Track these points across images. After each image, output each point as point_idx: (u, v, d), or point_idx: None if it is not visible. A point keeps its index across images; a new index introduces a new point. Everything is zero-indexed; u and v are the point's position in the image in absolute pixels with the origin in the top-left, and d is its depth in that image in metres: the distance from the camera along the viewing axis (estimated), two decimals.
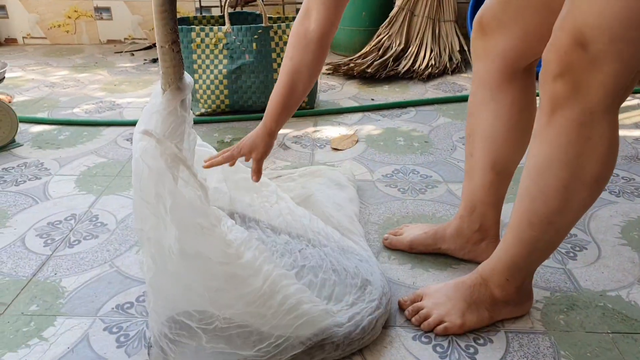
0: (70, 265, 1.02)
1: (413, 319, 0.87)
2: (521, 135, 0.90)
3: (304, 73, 0.93)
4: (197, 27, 1.68)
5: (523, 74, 0.88)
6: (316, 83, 1.85)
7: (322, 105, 1.87)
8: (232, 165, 1.04)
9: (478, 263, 0.91)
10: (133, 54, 2.58)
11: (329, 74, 2.21)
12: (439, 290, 0.89)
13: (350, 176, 1.29)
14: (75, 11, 2.73)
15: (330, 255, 0.96)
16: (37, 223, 1.16)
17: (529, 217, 0.76)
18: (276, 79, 1.73)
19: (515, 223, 0.79)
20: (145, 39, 2.79)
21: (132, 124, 1.71)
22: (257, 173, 1.01)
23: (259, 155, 0.99)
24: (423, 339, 0.84)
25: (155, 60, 2.45)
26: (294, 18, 1.82)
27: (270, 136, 0.98)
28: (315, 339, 0.76)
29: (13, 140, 1.54)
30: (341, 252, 0.97)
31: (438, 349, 0.82)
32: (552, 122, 0.70)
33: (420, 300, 0.89)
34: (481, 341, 0.84)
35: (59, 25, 2.76)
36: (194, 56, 1.71)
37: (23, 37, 2.77)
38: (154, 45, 2.70)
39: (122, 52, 2.62)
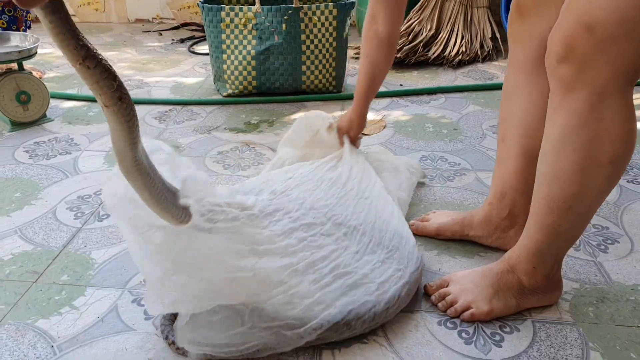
0: (100, 238, 1.04)
1: (439, 305, 0.87)
2: None
3: (381, 65, 1.10)
4: (227, 7, 1.67)
5: None
6: (344, 67, 1.83)
7: (349, 89, 1.86)
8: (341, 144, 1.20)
9: (506, 251, 0.90)
10: (161, 34, 2.60)
11: (356, 58, 2.18)
12: (466, 277, 0.88)
13: (412, 166, 1.24)
14: None
15: (374, 207, 1.00)
16: (67, 196, 1.18)
17: (547, 203, 0.75)
18: (304, 61, 1.73)
19: (536, 209, 0.78)
20: (173, 18, 2.79)
21: (160, 102, 1.73)
22: (357, 145, 1.22)
23: (354, 133, 1.19)
24: (448, 324, 0.84)
25: (182, 41, 2.46)
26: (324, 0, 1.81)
27: (361, 117, 1.17)
28: (342, 315, 0.76)
29: (44, 115, 1.57)
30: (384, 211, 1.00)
31: (463, 334, 0.82)
32: (563, 104, 0.69)
33: (447, 287, 0.88)
34: (507, 329, 0.83)
35: (88, 3, 2.78)
36: (223, 36, 1.71)
37: None
38: (182, 25, 2.70)
39: (150, 31, 2.63)
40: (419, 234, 1.05)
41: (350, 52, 2.05)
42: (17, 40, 1.55)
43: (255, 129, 1.55)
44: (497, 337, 0.81)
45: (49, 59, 2.19)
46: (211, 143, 1.46)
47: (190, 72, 2.06)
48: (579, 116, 0.68)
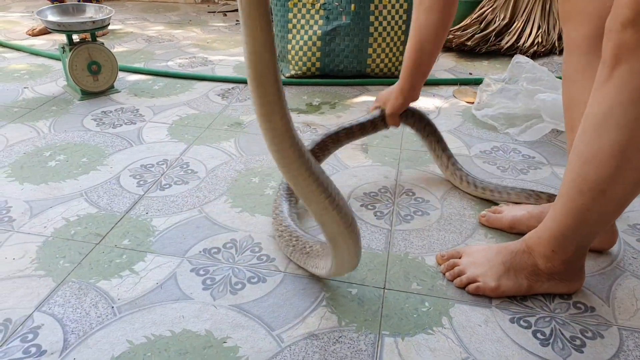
0: (161, 206, 1.03)
1: (447, 274, 0.85)
2: None
3: (430, 32, 0.95)
4: None
5: None
6: None
7: None
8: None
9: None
10: (225, 14, 2.61)
11: None
12: (480, 252, 0.85)
13: None
14: None
15: None
16: (131, 164, 1.19)
17: (579, 184, 0.69)
18: (371, 44, 1.67)
19: (565, 190, 0.73)
20: None
21: (224, 80, 1.72)
22: (390, 123, 1.10)
23: (390, 110, 1.07)
24: (522, 322, 0.77)
25: None
26: None
27: (402, 93, 1.05)
28: None
29: (112, 86, 1.60)
30: None
31: (539, 335, 0.75)
32: (613, 76, 0.62)
33: (459, 258, 0.87)
34: (589, 334, 0.75)
35: None
36: (290, 15, 1.68)
37: None
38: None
39: (215, 12, 2.65)
40: (490, 226, 0.98)
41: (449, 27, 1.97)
42: (91, 12, 1.58)
43: (316, 110, 1.52)
44: (578, 342, 0.74)
45: (118, 34, 2.24)
46: None
47: None
48: (630, 91, 0.61)
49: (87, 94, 1.55)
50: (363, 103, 1.57)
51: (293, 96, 1.61)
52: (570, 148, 0.87)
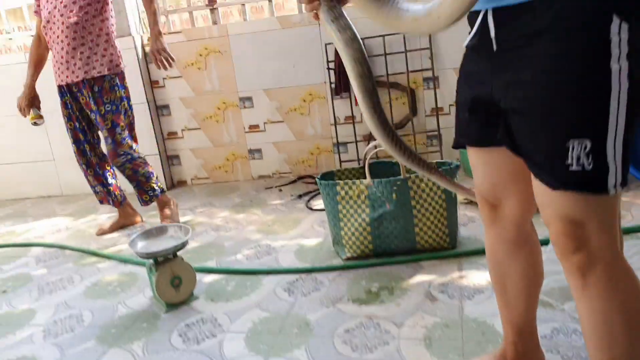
0: None
1: None
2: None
3: None
4: (342, 182, 1.86)
5: (531, 230, 1.04)
6: (456, 221, 1.88)
7: (465, 243, 1.89)
8: None
9: None
10: (281, 190, 2.89)
11: (467, 203, 2.23)
12: None
13: None
14: (232, 154, 3.18)
15: None
16: None
17: None
18: (417, 223, 1.82)
19: None
20: (290, 172, 3.11)
21: (287, 271, 1.89)
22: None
23: None
24: None
25: (300, 196, 2.71)
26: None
27: None
28: None
29: (192, 294, 1.80)
30: None
31: None
32: (585, 290, 0.82)
33: None
34: None
35: (220, 167, 3.21)
36: (339, 207, 1.88)
37: (191, 179, 3.27)
38: (298, 178, 3.00)
39: (272, 187, 2.95)
40: None
41: (459, 198, 2.10)
42: (172, 232, 1.85)
43: (376, 299, 1.63)
44: None
45: (191, 225, 2.53)
46: (337, 318, 1.55)
47: (310, 232, 2.25)
48: (600, 295, 0.81)
49: (171, 306, 1.75)
50: (419, 285, 1.68)
51: (352, 283, 1.74)
52: (504, 304, 1.10)
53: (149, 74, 3.11)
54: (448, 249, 1.86)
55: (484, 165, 0.99)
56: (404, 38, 2.70)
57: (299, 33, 2.86)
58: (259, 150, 3.14)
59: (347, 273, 1.83)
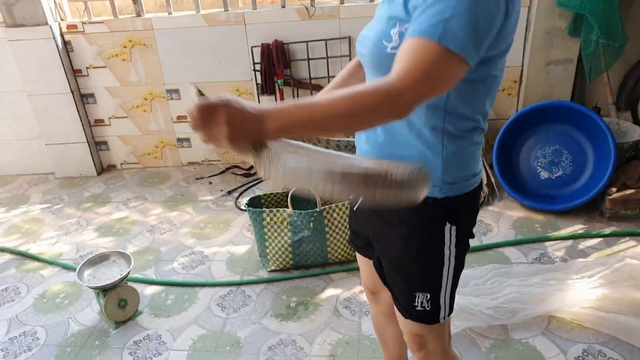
0: None
1: None
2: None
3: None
4: (267, 210, 2.15)
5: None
6: None
7: None
8: None
9: None
10: (211, 182, 3.11)
11: None
12: None
13: None
14: (161, 142, 3.31)
15: None
16: None
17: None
18: (329, 245, 2.18)
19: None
20: (219, 160, 3.32)
21: (221, 284, 2.21)
22: None
23: None
24: None
25: (229, 192, 2.97)
26: (341, 201, 2.24)
27: None
28: None
29: (136, 311, 2.08)
30: None
31: None
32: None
33: None
34: None
35: (149, 153, 3.34)
36: (265, 230, 2.19)
37: (121, 164, 3.39)
38: (227, 169, 3.22)
39: (202, 177, 3.16)
40: None
41: None
42: (114, 257, 2.08)
43: (294, 314, 2.01)
44: None
45: (126, 226, 2.73)
46: (262, 335, 1.92)
47: (240, 238, 2.55)
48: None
49: (119, 323, 2.03)
50: (329, 299, 2.07)
51: (275, 297, 2.11)
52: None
53: (70, 62, 3.08)
54: (354, 260, 2.26)
55: (366, 266, 1.34)
56: (326, 44, 2.89)
57: (225, 31, 2.95)
58: (187, 139, 3.29)
59: (271, 286, 2.18)
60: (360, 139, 1.11)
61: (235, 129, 0.76)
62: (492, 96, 1.00)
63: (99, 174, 3.35)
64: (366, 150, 1.08)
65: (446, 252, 1.07)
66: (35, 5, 2.87)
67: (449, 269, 1.09)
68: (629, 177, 2.59)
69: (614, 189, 2.51)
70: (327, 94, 0.83)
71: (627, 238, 2.36)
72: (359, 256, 1.36)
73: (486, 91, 0.98)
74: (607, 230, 2.41)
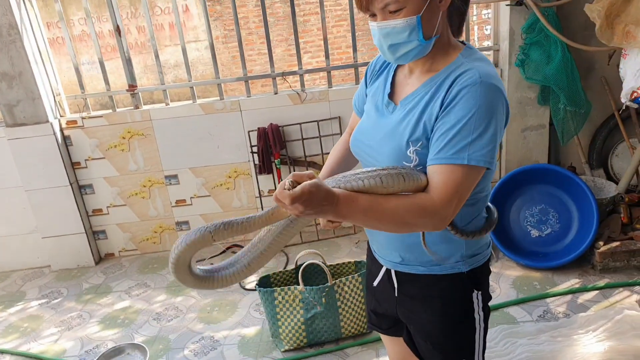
0: None
1: None
2: None
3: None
4: (278, 289, 2.20)
5: None
6: None
7: None
8: None
9: None
10: (212, 264, 3.13)
11: None
12: None
13: None
14: (160, 226, 3.35)
15: None
16: None
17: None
18: (342, 319, 2.22)
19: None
20: (220, 242, 3.36)
21: None
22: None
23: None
24: None
25: None
26: (353, 271, 2.31)
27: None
28: None
29: None
30: None
31: None
32: None
33: None
34: None
35: (148, 239, 3.37)
36: (277, 309, 2.22)
37: (119, 251, 3.39)
38: (227, 249, 3.27)
39: (204, 259, 3.18)
40: None
41: None
42: (128, 349, 2.07)
43: None
44: None
45: (131, 316, 2.70)
46: None
47: (249, 320, 2.55)
48: None
49: None
50: None
51: None
52: None
53: (69, 156, 3.16)
54: (368, 332, 2.29)
55: (394, 344, 1.40)
56: (318, 125, 3.07)
57: (222, 118, 3.11)
58: (186, 222, 3.34)
59: None
60: None
61: (312, 209, 0.95)
62: (492, 175, 1.15)
63: (97, 263, 3.34)
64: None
65: (476, 317, 1.16)
66: (36, 105, 2.99)
67: (479, 333, 1.18)
68: (612, 230, 2.75)
69: (601, 243, 2.66)
70: (386, 199, 0.99)
71: (621, 289, 2.48)
72: (384, 337, 1.42)
73: (490, 174, 1.12)
74: (601, 283, 2.53)
